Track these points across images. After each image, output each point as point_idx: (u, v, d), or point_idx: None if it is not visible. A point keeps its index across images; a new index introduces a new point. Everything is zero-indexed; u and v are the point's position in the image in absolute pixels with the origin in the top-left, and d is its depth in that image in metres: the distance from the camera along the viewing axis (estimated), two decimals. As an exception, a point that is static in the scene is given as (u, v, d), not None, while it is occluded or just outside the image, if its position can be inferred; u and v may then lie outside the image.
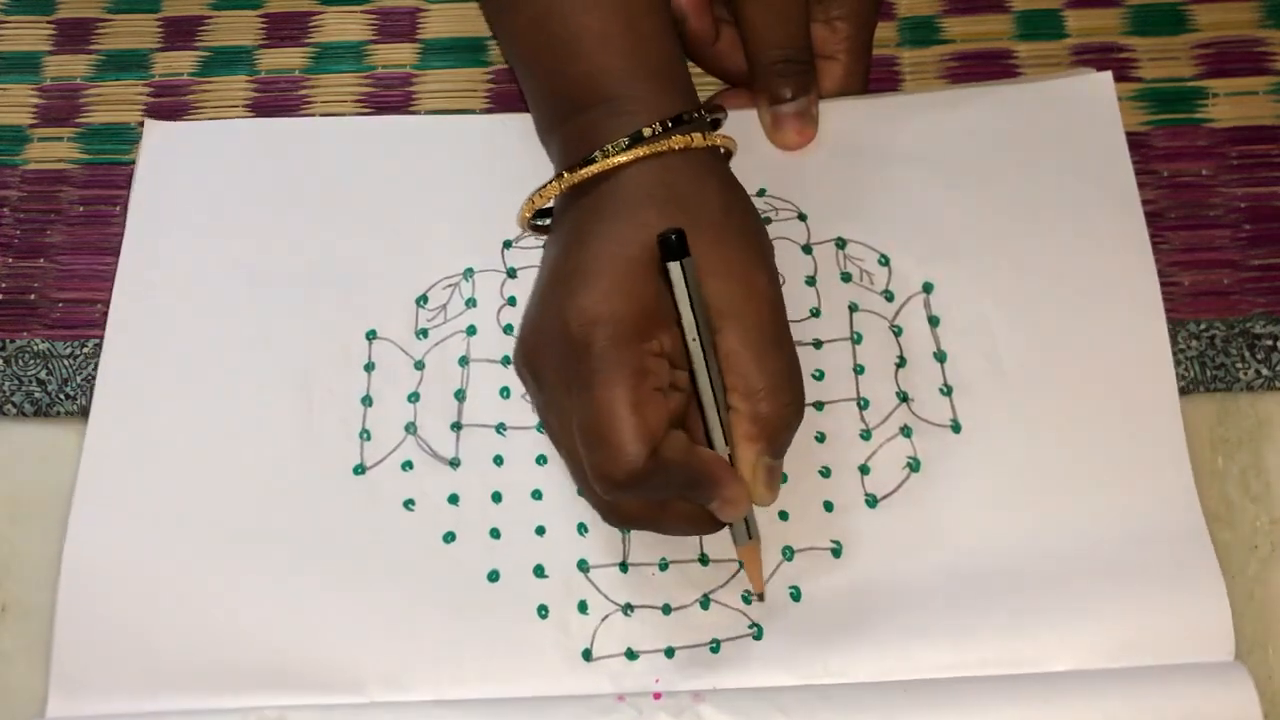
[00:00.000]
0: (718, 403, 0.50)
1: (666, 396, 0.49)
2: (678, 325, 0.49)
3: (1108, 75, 0.60)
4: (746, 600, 0.52)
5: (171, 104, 0.65)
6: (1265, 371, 0.56)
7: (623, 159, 0.52)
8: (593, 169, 0.52)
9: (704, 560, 0.53)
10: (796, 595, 0.52)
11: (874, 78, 0.62)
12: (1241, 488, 0.55)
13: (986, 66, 0.64)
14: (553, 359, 0.50)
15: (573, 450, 0.50)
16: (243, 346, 0.57)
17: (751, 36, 0.59)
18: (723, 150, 0.55)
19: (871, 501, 0.54)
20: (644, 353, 0.49)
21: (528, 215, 0.56)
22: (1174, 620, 0.50)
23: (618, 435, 0.47)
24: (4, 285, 0.61)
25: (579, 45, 0.54)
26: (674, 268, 0.48)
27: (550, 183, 0.54)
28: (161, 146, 0.62)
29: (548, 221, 0.56)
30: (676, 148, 0.52)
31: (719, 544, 0.53)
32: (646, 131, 0.52)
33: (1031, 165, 0.59)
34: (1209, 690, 0.49)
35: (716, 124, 0.56)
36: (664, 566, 0.53)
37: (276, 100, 0.65)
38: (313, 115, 0.64)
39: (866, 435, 0.55)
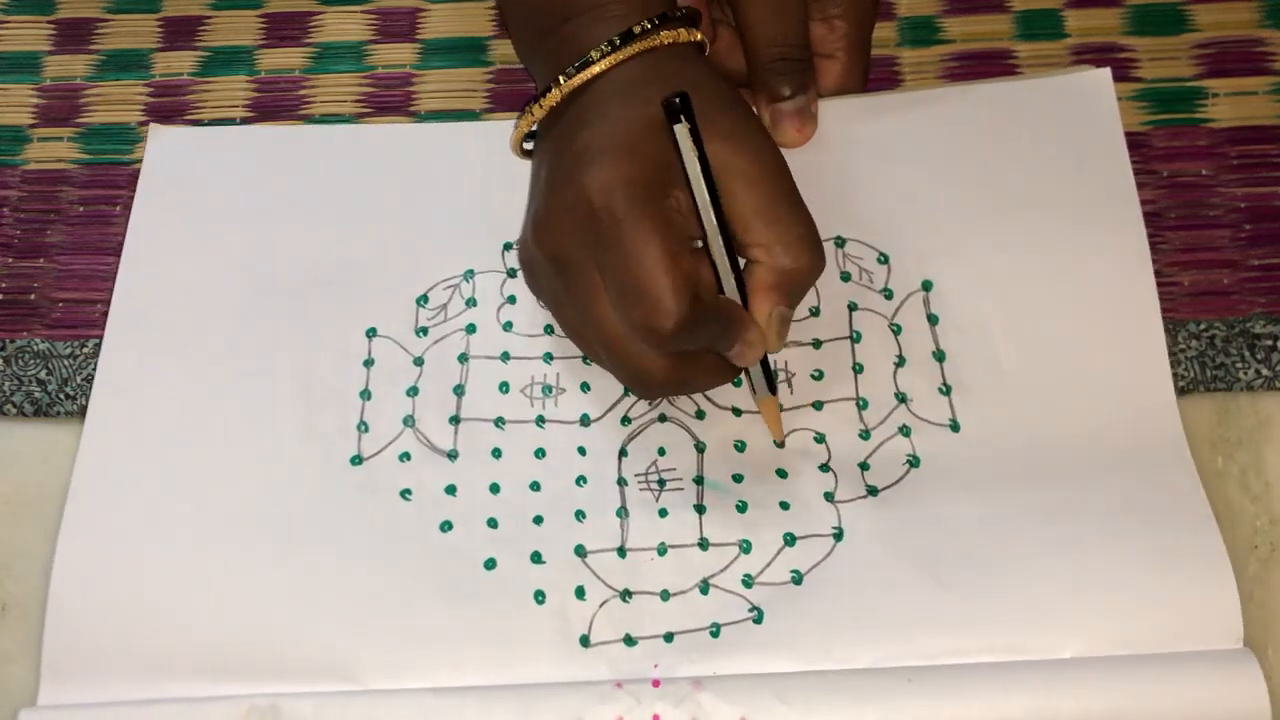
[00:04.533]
0: (729, 255, 0.50)
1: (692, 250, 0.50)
2: (688, 184, 0.50)
3: (1106, 72, 0.60)
4: (747, 584, 0.52)
5: (171, 104, 0.65)
6: (1265, 371, 0.56)
7: (620, 56, 0.53)
8: (592, 70, 0.53)
9: (704, 545, 0.53)
10: (798, 579, 0.52)
11: (874, 78, 0.62)
12: (1241, 488, 0.55)
13: (986, 66, 0.64)
14: (575, 236, 0.51)
15: (602, 325, 0.51)
16: (241, 344, 0.57)
17: (749, 35, 0.59)
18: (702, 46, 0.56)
19: (874, 491, 0.53)
20: (667, 208, 0.50)
21: (525, 130, 0.57)
22: (1180, 608, 0.50)
23: (659, 284, 0.48)
24: (4, 285, 0.61)
25: None
26: (680, 129, 0.49)
27: (550, 91, 0.54)
28: (165, 151, 0.62)
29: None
30: (666, 42, 0.54)
31: (718, 528, 0.53)
32: (637, 29, 0.53)
33: (1030, 162, 0.59)
34: (1216, 677, 0.49)
35: (695, 23, 0.56)
36: (662, 551, 0.53)
37: (276, 100, 0.65)
38: (312, 115, 0.64)
39: (865, 435, 0.55)
